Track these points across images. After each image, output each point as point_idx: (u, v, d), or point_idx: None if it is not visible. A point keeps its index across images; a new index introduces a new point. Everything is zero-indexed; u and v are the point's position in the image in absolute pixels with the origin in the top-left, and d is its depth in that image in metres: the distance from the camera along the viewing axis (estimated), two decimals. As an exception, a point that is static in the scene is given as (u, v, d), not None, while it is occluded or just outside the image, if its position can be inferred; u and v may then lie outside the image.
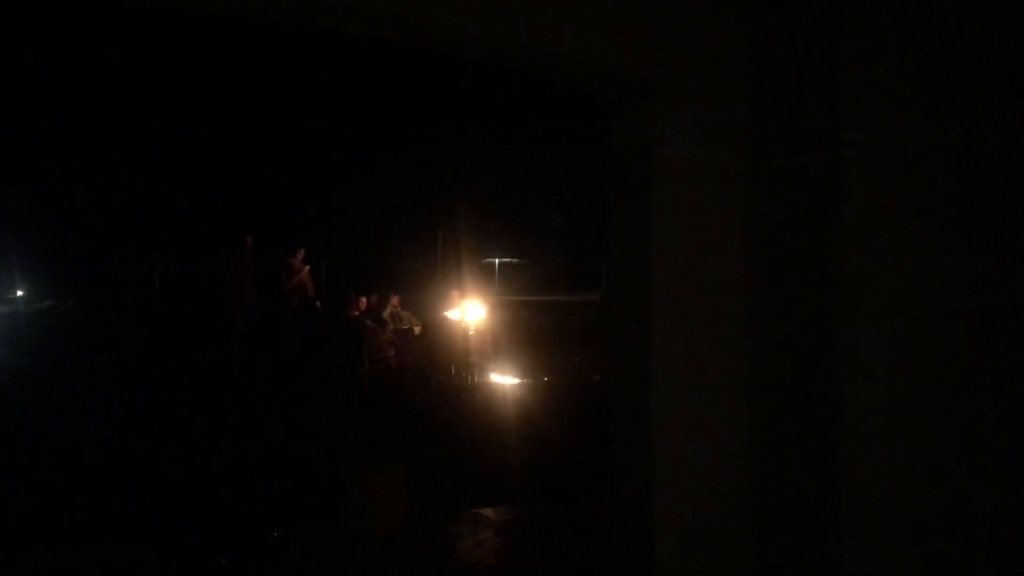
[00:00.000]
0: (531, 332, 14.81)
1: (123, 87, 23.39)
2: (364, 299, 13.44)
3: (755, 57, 3.63)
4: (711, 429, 3.63)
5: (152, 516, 6.19)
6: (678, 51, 3.60)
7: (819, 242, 3.28)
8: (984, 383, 3.31)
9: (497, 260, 24.76)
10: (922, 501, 3.24)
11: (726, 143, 3.65)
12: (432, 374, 12.42)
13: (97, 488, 6.80)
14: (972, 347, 3.29)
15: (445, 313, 13.50)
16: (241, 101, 24.34)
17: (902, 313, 3.21)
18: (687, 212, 3.62)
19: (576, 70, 3.85)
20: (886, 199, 3.20)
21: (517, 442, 8.75)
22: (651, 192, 3.60)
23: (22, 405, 10.09)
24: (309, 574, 5.26)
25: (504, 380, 12.12)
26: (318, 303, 14.50)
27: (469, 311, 13.22)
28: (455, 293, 13.94)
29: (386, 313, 13.22)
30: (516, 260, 25.37)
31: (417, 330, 13.37)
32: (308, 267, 15.11)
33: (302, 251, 15.01)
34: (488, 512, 6.25)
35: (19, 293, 19.31)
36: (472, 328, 12.92)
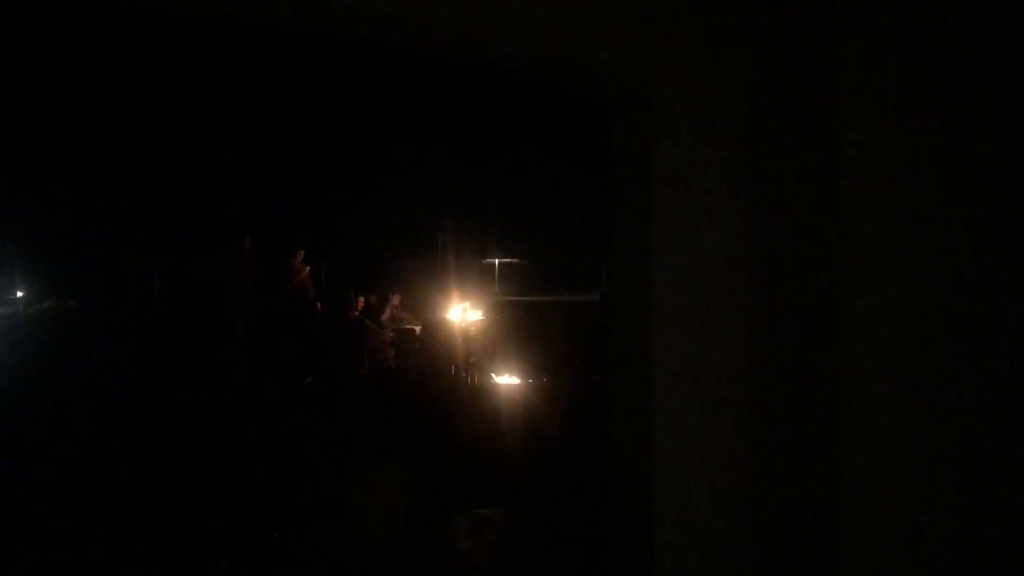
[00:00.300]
0: (531, 332, 14.79)
1: (123, 88, 23.40)
2: (363, 299, 13.45)
3: (754, 57, 3.63)
4: (711, 429, 3.63)
5: (152, 516, 6.19)
6: (677, 51, 3.60)
7: (818, 242, 3.29)
8: (985, 384, 3.31)
9: (497, 260, 24.76)
10: (922, 502, 3.24)
11: (725, 143, 3.65)
12: (432, 374, 12.42)
13: (97, 488, 6.80)
14: (972, 347, 3.29)
15: (445, 314, 13.51)
16: (241, 101, 24.35)
17: (902, 313, 3.21)
18: (686, 212, 3.62)
19: (575, 71, 3.85)
20: (885, 199, 3.20)
21: (517, 442, 8.76)
22: (650, 192, 3.60)
23: (22, 406, 10.09)
24: (309, 574, 5.26)
25: (504, 380, 12.11)
26: (318, 304, 14.51)
27: (468, 311, 13.23)
28: (455, 294, 13.95)
29: (385, 316, 13.23)
30: (516, 260, 25.38)
31: (417, 330, 13.38)
32: (308, 268, 15.11)
33: (302, 252, 15.01)
34: (488, 512, 6.25)
35: (19, 294, 19.31)
36: (472, 328, 12.92)
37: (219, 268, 15.05)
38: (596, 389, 11.30)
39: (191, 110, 23.88)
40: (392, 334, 13.12)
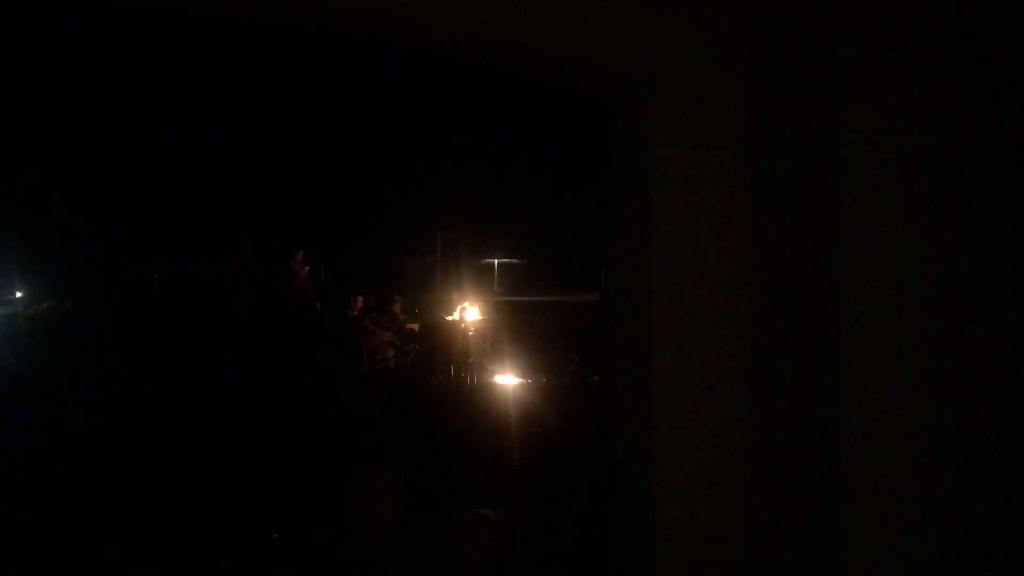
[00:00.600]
0: (530, 332, 14.79)
1: (122, 88, 23.38)
2: (361, 299, 13.45)
3: (754, 57, 3.63)
4: (711, 429, 3.63)
5: (153, 517, 6.18)
6: (676, 51, 3.60)
7: (817, 242, 3.29)
8: (984, 384, 3.31)
9: (496, 260, 24.74)
10: (922, 504, 3.24)
11: (724, 143, 3.65)
12: (432, 375, 12.42)
13: (97, 489, 6.80)
14: (972, 347, 3.29)
15: (444, 314, 13.51)
16: (240, 102, 24.33)
17: (901, 313, 3.21)
18: (685, 212, 3.62)
19: (574, 70, 3.85)
20: (884, 199, 3.20)
21: (517, 442, 8.76)
22: (649, 192, 3.60)
23: (21, 407, 10.09)
24: (309, 574, 5.26)
25: (503, 380, 12.11)
26: (318, 304, 14.51)
27: (468, 312, 13.24)
28: (454, 294, 13.96)
29: (385, 323, 13.24)
30: (515, 260, 25.36)
31: (415, 328, 13.40)
32: (308, 268, 15.12)
33: (301, 252, 15.02)
34: (488, 512, 6.26)
35: (18, 295, 19.31)
36: (471, 328, 12.92)
37: (217, 269, 15.06)
38: (595, 389, 11.31)
39: (191, 110, 23.88)
40: (391, 334, 13.13)
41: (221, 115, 24.35)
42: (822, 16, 3.28)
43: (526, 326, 15.22)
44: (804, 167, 3.35)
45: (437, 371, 12.47)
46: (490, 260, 24.57)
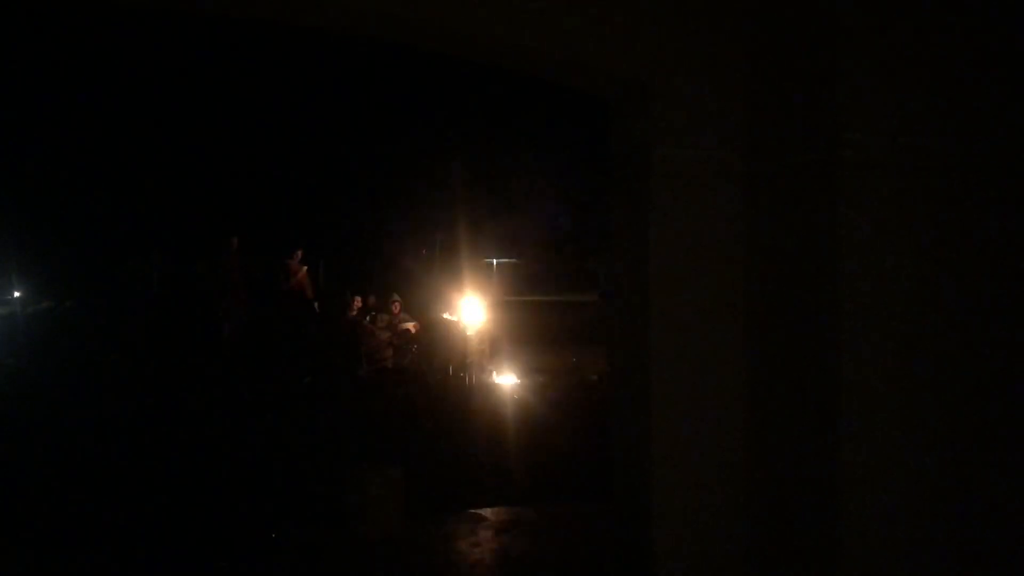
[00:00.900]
0: (530, 332, 14.80)
1: (121, 88, 23.37)
2: (360, 299, 13.44)
3: (753, 57, 3.63)
4: (710, 429, 3.63)
5: (151, 517, 6.18)
6: (676, 51, 3.60)
7: (816, 242, 3.28)
8: (984, 387, 3.30)
9: (495, 260, 24.72)
10: (921, 506, 3.24)
11: (724, 143, 3.65)
12: (430, 375, 12.42)
13: (96, 490, 6.80)
14: (972, 350, 3.28)
15: (443, 314, 13.51)
16: (239, 102, 24.31)
17: (901, 314, 3.21)
18: (685, 212, 3.62)
19: (574, 71, 3.85)
20: (884, 200, 3.20)
21: (516, 442, 8.76)
22: (649, 192, 3.60)
23: (20, 407, 10.08)
24: (308, 575, 5.26)
25: (503, 380, 12.11)
26: (316, 304, 14.50)
27: (467, 312, 13.23)
28: (453, 293, 13.96)
29: (384, 323, 13.23)
30: (515, 260, 25.34)
31: (412, 328, 13.37)
32: (306, 268, 15.10)
33: (300, 252, 15.00)
34: (487, 512, 6.26)
35: (16, 294, 19.29)
36: (470, 328, 12.92)
37: (208, 268, 15.04)
38: (594, 389, 11.32)
39: (189, 110, 23.86)
40: (390, 334, 13.12)
41: (221, 114, 24.34)
42: (822, 16, 3.28)
43: (525, 326, 15.23)
44: (804, 167, 3.35)
45: (436, 371, 12.48)
46: (489, 260, 24.54)
